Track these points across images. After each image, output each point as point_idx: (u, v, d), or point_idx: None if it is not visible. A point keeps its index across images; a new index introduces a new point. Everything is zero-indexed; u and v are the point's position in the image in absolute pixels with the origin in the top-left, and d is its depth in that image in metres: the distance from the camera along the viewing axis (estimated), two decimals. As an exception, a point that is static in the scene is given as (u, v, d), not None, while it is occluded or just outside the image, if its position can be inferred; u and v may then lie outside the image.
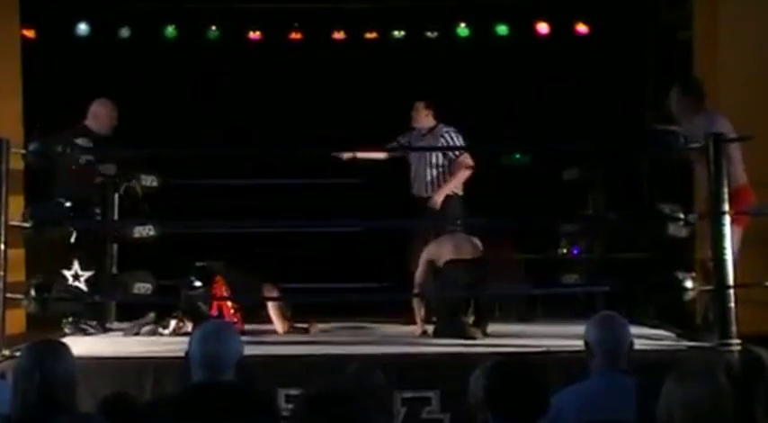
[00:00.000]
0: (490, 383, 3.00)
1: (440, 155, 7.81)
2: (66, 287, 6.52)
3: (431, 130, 7.87)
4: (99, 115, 7.25)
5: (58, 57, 9.70)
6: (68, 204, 6.85)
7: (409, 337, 6.69)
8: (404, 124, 8.09)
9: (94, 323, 7.03)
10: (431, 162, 7.81)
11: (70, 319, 6.85)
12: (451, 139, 7.79)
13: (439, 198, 7.72)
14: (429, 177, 7.81)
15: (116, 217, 7.45)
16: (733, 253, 5.88)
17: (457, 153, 7.79)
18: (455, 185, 7.78)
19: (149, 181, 7.37)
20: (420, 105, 7.91)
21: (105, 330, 7.13)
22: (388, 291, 8.19)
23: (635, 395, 3.36)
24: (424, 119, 7.90)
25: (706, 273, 6.06)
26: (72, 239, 6.78)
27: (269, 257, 8.44)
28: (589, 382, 3.80)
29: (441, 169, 7.81)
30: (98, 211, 7.15)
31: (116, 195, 7.41)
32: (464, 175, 7.79)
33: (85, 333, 6.89)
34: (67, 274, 6.80)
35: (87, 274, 6.82)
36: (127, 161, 7.41)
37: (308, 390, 2.86)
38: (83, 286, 6.77)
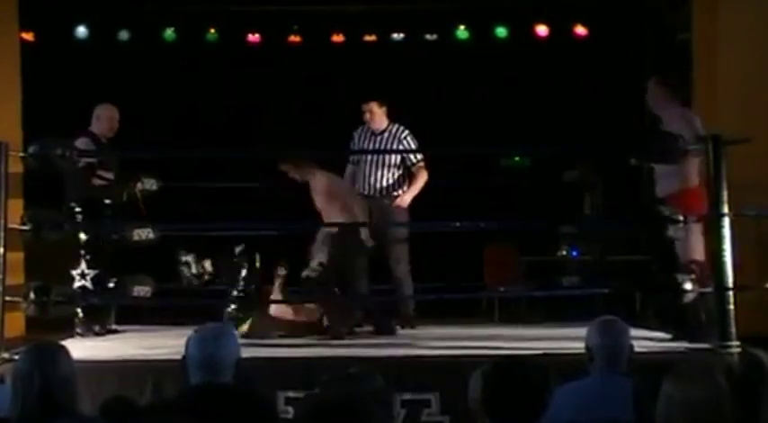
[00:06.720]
0: (486, 386, 2.99)
1: (397, 157, 7.55)
2: (66, 290, 6.52)
3: (386, 129, 7.62)
4: (101, 119, 7.27)
5: (58, 60, 9.72)
6: (78, 209, 6.89)
7: (409, 339, 6.67)
8: (405, 125, 7.94)
9: (97, 326, 7.08)
10: (387, 163, 7.55)
11: (81, 319, 6.92)
12: (409, 143, 7.55)
13: (408, 198, 7.50)
14: (383, 178, 7.55)
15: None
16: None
17: (415, 158, 7.57)
18: (418, 190, 7.55)
19: (149, 184, 7.38)
20: (374, 105, 7.62)
21: (107, 332, 7.15)
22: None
23: (632, 396, 3.35)
24: (380, 118, 7.63)
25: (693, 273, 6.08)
26: (81, 241, 6.85)
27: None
28: (587, 381, 3.81)
29: (398, 171, 7.56)
30: (110, 213, 7.13)
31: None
32: (424, 180, 7.57)
33: (95, 334, 6.97)
34: (74, 273, 6.84)
35: (93, 272, 6.84)
36: (127, 164, 7.43)
37: (312, 394, 2.84)
38: (89, 285, 6.80)
